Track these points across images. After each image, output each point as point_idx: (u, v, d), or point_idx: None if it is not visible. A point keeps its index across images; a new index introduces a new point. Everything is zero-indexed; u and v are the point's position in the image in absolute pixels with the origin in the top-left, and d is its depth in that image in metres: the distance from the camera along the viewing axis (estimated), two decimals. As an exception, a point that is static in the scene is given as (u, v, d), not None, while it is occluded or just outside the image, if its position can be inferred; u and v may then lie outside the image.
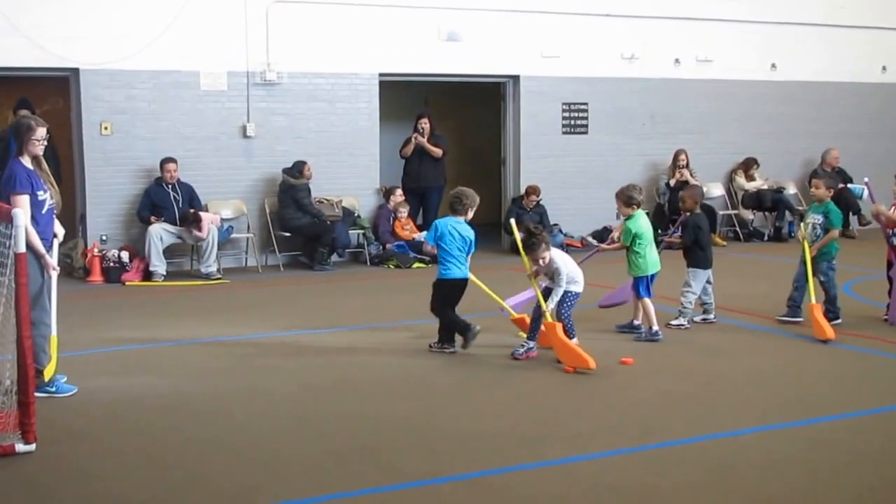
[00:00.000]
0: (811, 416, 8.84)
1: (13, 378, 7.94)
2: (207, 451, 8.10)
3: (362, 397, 9.52)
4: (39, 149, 9.55)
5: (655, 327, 11.79)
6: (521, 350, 11.01)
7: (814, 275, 12.28)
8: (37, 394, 9.04)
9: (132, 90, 17.40)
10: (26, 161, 9.46)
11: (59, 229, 9.99)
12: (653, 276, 11.97)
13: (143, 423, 8.84)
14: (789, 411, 9.00)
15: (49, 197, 9.60)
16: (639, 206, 12.09)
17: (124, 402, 9.42)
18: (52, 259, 9.58)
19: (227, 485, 7.30)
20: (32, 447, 7.81)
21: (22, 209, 8.96)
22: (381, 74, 19.26)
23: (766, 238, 21.34)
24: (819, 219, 12.43)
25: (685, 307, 12.35)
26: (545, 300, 11.02)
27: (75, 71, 17.15)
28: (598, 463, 7.72)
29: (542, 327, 11.01)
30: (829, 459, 7.80)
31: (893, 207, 12.65)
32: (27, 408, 7.75)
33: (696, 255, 12.36)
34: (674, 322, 12.28)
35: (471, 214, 11.51)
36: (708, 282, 12.52)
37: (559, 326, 10.82)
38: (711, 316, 12.60)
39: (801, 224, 13.00)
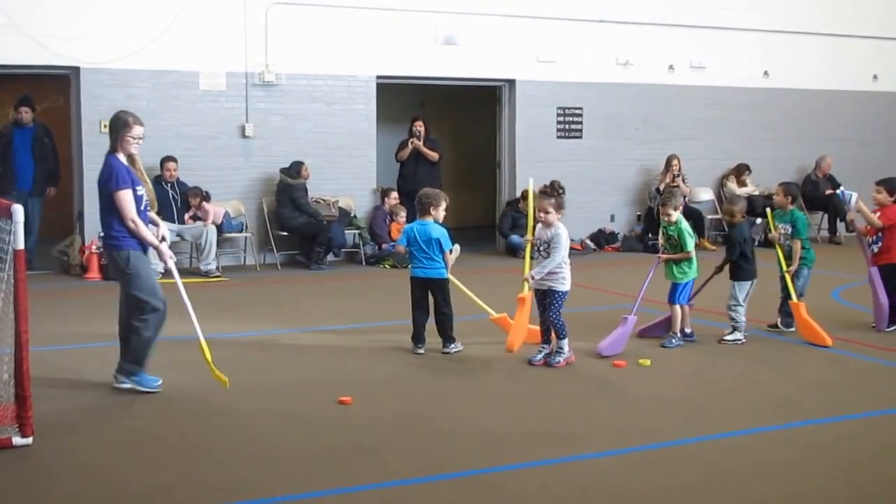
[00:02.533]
0: (802, 419, 8.84)
1: (10, 372, 7.91)
2: (204, 445, 8.08)
3: (358, 395, 9.46)
4: (134, 147, 9.49)
5: (679, 331, 11.67)
6: (539, 356, 10.81)
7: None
8: (124, 385, 9.42)
9: (132, 89, 17.38)
10: (122, 157, 9.45)
11: (165, 230, 9.92)
12: (692, 281, 11.83)
13: (139, 417, 8.82)
14: (780, 415, 8.99)
15: (144, 193, 9.57)
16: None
17: (120, 396, 9.38)
18: (166, 250, 9.64)
19: (222, 479, 7.28)
20: (29, 440, 7.79)
21: (126, 205, 9.14)
22: (378, 77, 19.27)
23: (756, 243, 21.24)
24: (788, 228, 12.23)
25: (737, 322, 11.80)
26: (530, 268, 10.99)
27: (76, 69, 17.13)
28: (591, 463, 7.70)
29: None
30: (819, 462, 7.80)
31: (876, 213, 12.63)
32: (24, 401, 7.73)
33: (742, 267, 11.83)
34: (728, 337, 11.78)
35: (440, 213, 11.45)
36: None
37: (528, 301, 10.92)
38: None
39: (770, 227, 12.70)
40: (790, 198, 12.38)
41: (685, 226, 11.69)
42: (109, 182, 9.26)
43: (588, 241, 20.54)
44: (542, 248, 10.86)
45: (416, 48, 19.44)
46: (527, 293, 11.09)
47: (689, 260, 11.63)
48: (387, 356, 11.17)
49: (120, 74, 17.26)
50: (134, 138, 9.44)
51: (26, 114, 17.48)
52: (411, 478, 7.32)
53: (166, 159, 17.19)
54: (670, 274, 11.72)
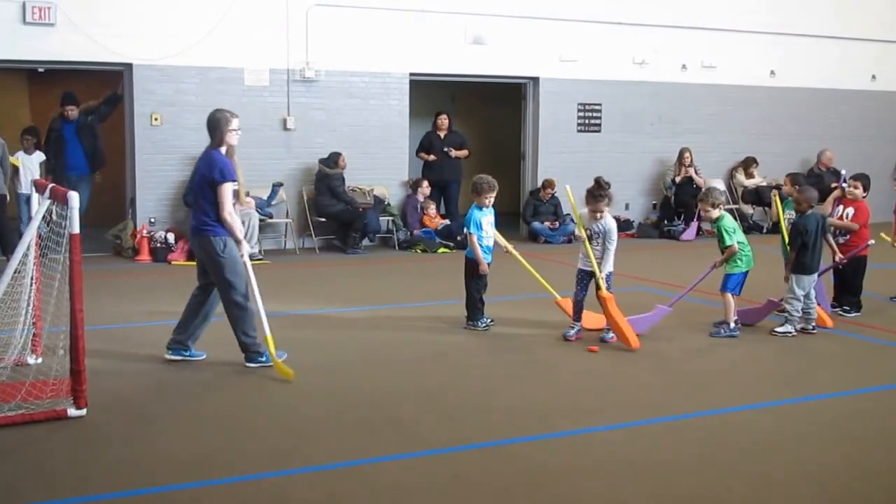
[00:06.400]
0: (806, 396, 8.79)
1: (66, 347, 7.90)
2: (244, 416, 8.07)
3: (390, 371, 9.50)
4: (235, 138, 9.65)
5: (733, 323, 11.10)
6: (572, 332, 10.82)
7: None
8: (251, 364, 9.57)
9: (181, 84, 17.39)
10: (223, 151, 9.56)
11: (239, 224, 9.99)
12: (747, 272, 11.21)
13: (184, 390, 8.83)
14: (786, 391, 8.93)
15: (236, 186, 9.79)
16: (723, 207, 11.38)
17: (167, 371, 9.40)
18: (246, 246, 9.85)
19: (262, 448, 7.27)
20: (83, 412, 7.79)
21: (227, 197, 9.35)
22: (411, 74, 19.23)
23: (764, 231, 21.22)
24: (793, 214, 11.67)
25: (791, 315, 11.10)
26: (594, 259, 10.74)
27: (129, 66, 17.13)
28: (606, 435, 7.68)
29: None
30: (824, 437, 7.72)
31: (842, 205, 12.51)
32: (78, 375, 7.73)
33: (800, 259, 11.09)
34: (779, 329, 11.09)
35: (481, 199, 11.49)
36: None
37: (612, 300, 10.54)
38: (811, 326, 11.22)
39: (778, 213, 12.39)
40: (797, 187, 12.18)
41: (725, 222, 11.09)
42: (219, 173, 9.37)
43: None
44: (595, 239, 10.85)
45: (447, 47, 19.39)
46: (606, 292, 10.65)
47: (742, 245, 11.08)
48: (417, 335, 11.13)
49: (170, 71, 17.26)
50: (234, 130, 9.59)
51: (72, 111, 17.59)
52: (440, 448, 7.30)
53: (212, 149, 17.14)
54: (725, 264, 11.15)
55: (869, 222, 12.38)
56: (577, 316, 10.91)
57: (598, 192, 10.76)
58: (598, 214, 10.80)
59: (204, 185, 9.44)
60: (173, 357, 9.63)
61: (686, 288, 11.54)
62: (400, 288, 14.38)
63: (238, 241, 9.55)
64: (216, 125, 9.58)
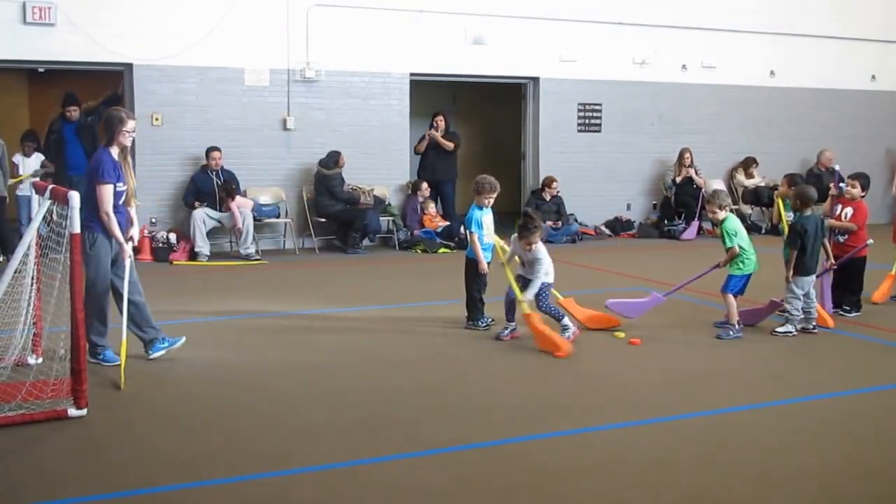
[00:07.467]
0: (805, 395, 8.76)
1: (67, 348, 7.90)
2: (244, 417, 8.03)
3: (390, 371, 9.49)
4: (128, 140, 9.48)
5: (737, 325, 11.01)
6: (506, 332, 10.84)
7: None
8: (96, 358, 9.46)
9: (181, 84, 17.41)
10: (114, 152, 9.42)
11: (136, 232, 9.84)
12: (750, 275, 11.12)
13: (185, 390, 8.81)
14: (784, 391, 8.91)
15: (126, 189, 9.55)
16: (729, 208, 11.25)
17: (168, 371, 9.39)
18: (128, 248, 9.50)
19: (262, 448, 7.25)
20: (84, 412, 7.78)
21: (105, 197, 9.19)
22: (411, 74, 19.26)
23: (763, 231, 21.19)
24: (791, 216, 11.62)
25: (791, 314, 11.09)
26: (521, 290, 10.65)
27: (129, 66, 17.16)
28: (606, 434, 7.65)
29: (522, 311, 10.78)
30: (823, 436, 7.69)
31: (840, 205, 12.48)
32: (79, 375, 7.72)
33: (799, 260, 11.01)
34: (780, 329, 11.06)
35: (481, 199, 11.30)
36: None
37: (536, 317, 10.49)
38: (811, 326, 11.19)
39: (780, 207, 12.32)
40: (793, 187, 12.12)
41: (728, 224, 11.00)
42: (96, 173, 9.27)
43: (603, 228, 20.56)
44: (526, 265, 10.82)
45: (447, 48, 19.42)
46: (529, 310, 10.55)
47: (743, 251, 10.96)
48: (417, 335, 11.13)
49: (170, 71, 17.28)
50: (128, 132, 9.43)
51: (74, 112, 17.63)
52: (441, 447, 7.27)
53: (211, 149, 17.20)
54: (728, 265, 11.08)
55: (867, 223, 12.38)
56: (510, 315, 10.90)
57: (531, 225, 10.64)
58: (533, 247, 10.70)
59: (88, 182, 9.41)
60: (157, 354, 9.64)
61: (684, 281, 11.46)
62: (400, 288, 14.37)
63: (119, 243, 9.38)
64: (109, 124, 9.44)
